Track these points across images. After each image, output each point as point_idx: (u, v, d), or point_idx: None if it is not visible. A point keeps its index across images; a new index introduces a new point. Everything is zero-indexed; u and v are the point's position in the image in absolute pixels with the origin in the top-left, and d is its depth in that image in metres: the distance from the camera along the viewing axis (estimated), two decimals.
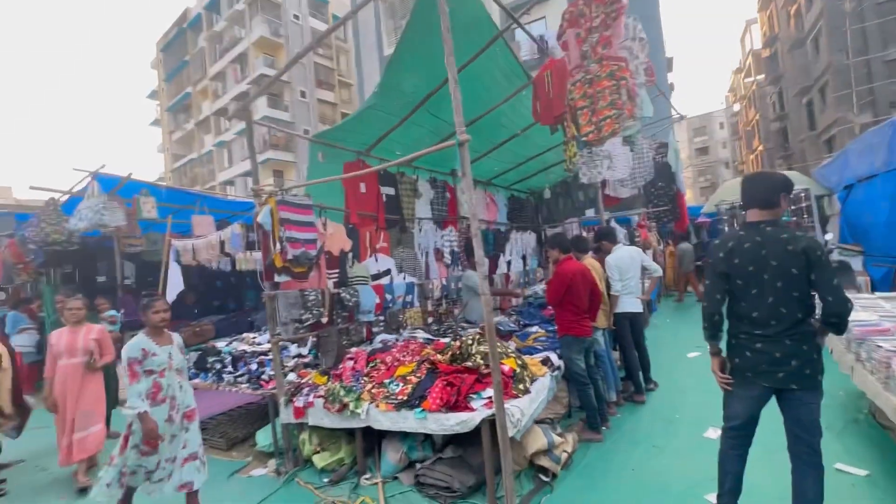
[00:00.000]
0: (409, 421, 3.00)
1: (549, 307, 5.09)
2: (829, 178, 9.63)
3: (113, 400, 4.51)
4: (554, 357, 3.78)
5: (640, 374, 4.54)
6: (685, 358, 5.90)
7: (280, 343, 3.71)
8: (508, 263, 7.77)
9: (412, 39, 3.71)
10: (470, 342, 3.33)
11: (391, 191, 5.27)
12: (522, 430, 2.79)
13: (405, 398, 3.03)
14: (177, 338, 2.99)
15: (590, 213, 10.30)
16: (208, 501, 3.36)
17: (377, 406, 3.13)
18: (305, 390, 3.58)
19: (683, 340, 6.63)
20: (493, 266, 7.39)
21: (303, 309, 3.81)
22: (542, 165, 7.63)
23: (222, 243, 4.20)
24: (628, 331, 4.49)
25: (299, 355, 4.32)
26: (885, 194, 6.83)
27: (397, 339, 4.34)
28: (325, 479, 3.40)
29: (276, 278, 3.38)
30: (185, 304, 8.52)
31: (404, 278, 5.34)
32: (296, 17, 28.79)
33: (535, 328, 4.71)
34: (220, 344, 4.86)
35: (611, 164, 5.17)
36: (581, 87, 3.51)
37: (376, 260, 4.92)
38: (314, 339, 4.10)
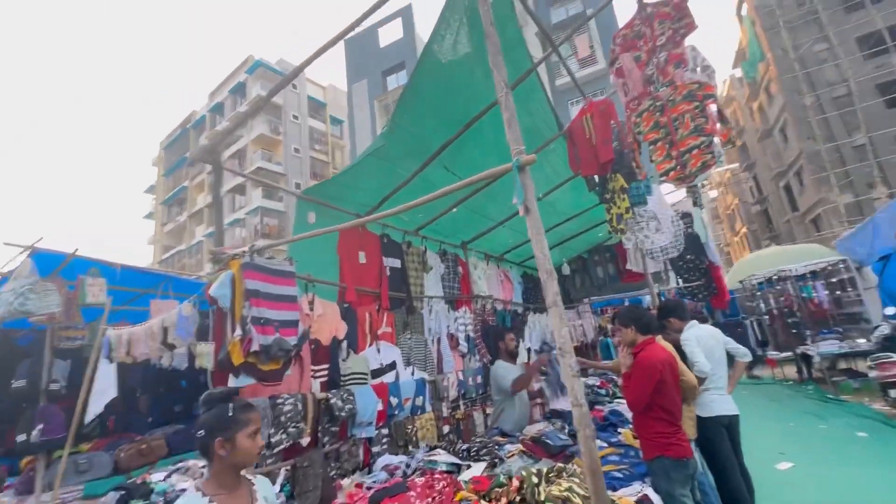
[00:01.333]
0: None
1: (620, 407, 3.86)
2: (856, 249, 8.98)
3: None
4: (652, 494, 2.49)
5: None
6: (776, 472, 4.52)
7: None
8: (528, 351, 6.54)
9: (428, 73, 2.99)
10: (535, 480, 2.08)
11: (397, 263, 4.27)
12: None
13: None
14: (262, 485, 1.63)
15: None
16: None
17: None
18: None
19: (760, 446, 5.26)
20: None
21: (273, 426, 2.55)
22: (561, 238, 6.81)
23: (165, 331, 3.05)
24: (726, 442, 3.24)
25: None
26: None
27: (408, 465, 3.01)
28: None
29: (233, 381, 2.20)
30: (138, 410, 6.96)
31: (413, 373, 4.10)
32: (295, 116, 30.22)
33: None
34: (156, 476, 3.43)
35: (658, 227, 4.30)
36: (650, 117, 2.72)
37: (378, 350, 3.73)
38: (288, 470, 2.77)
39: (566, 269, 7.61)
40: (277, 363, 2.33)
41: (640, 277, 7.47)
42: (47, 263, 4.49)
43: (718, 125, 2.48)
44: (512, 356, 4.17)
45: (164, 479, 3.28)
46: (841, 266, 8.78)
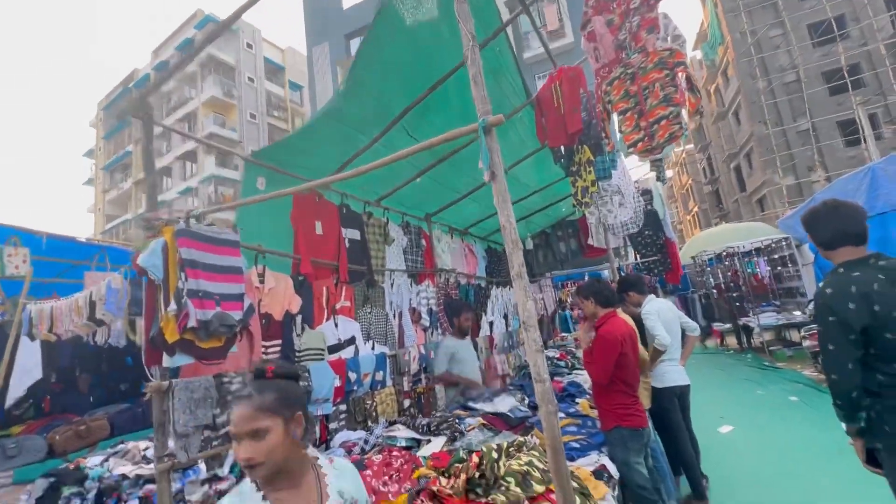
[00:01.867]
0: None
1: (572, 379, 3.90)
2: (797, 228, 9.55)
3: None
4: (609, 464, 2.53)
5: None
6: (718, 435, 4.80)
7: (178, 465, 2.22)
8: (491, 324, 6.58)
9: (390, 25, 2.74)
10: (495, 455, 2.03)
11: (356, 234, 4.07)
12: None
13: None
14: (340, 475, 1.26)
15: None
16: None
17: None
18: None
19: (704, 412, 5.57)
20: (476, 328, 6.16)
21: (219, 407, 2.37)
22: (525, 212, 6.77)
23: (93, 305, 2.74)
24: (678, 411, 3.35)
25: (214, 476, 2.77)
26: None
27: (366, 442, 2.92)
28: None
29: (168, 361, 1.99)
30: (77, 390, 6.50)
31: (373, 348, 3.98)
32: (250, 79, 28.35)
33: None
34: (93, 461, 3.18)
35: (622, 201, 4.31)
36: (621, 86, 2.62)
37: (336, 325, 3.57)
38: None
39: (529, 244, 7.63)
40: (219, 340, 2.13)
41: (601, 252, 7.62)
42: None
43: (688, 94, 2.42)
44: (463, 333, 4.22)
45: (100, 464, 3.04)
46: (783, 243, 9.32)
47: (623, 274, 4.57)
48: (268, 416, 1.10)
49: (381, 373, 3.85)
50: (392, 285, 4.51)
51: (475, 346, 5.67)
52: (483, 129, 1.65)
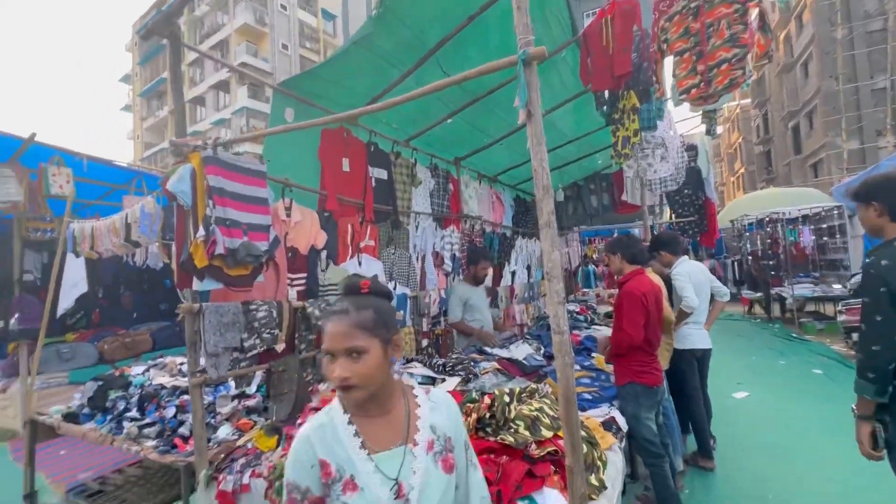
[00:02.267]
0: None
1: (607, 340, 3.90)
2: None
3: None
4: (619, 416, 2.56)
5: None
6: (732, 400, 4.80)
7: (209, 380, 2.38)
8: (513, 274, 6.57)
9: None
10: (507, 399, 2.08)
11: (383, 173, 4.01)
12: None
13: None
14: (436, 407, 1.16)
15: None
16: None
17: None
18: (240, 462, 2.25)
19: (721, 376, 5.54)
20: (498, 276, 6.17)
21: (246, 332, 2.49)
22: (559, 162, 6.50)
23: (129, 227, 2.84)
24: (696, 374, 3.33)
25: (242, 394, 2.98)
26: None
27: None
28: None
29: (197, 285, 2.06)
30: (122, 306, 7.01)
31: (395, 288, 4.05)
32: (283, 6, 27.27)
33: None
34: (136, 370, 3.46)
35: (664, 155, 4.04)
36: (681, 22, 2.34)
37: (360, 263, 3.62)
38: (264, 373, 2.78)
39: (560, 196, 7.40)
40: (246, 268, 2.19)
41: (634, 209, 7.33)
42: (3, 148, 4.13)
43: (758, 34, 2.15)
44: (477, 281, 4.20)
45: (142, 373, 3.31)
46: (834, 212, 8.72)
47: (656, 232, 4.38)
48: (366, 335, 1.01)
49: (402, 312, 3.94)
50: (417, 228, 4.49)
51: (495, 296, 5.72)
52: (523, 61, 1.51)
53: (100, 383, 3.17)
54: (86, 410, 3.04)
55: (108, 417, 2.91)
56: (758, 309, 10.46)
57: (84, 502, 3.11)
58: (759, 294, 10.47)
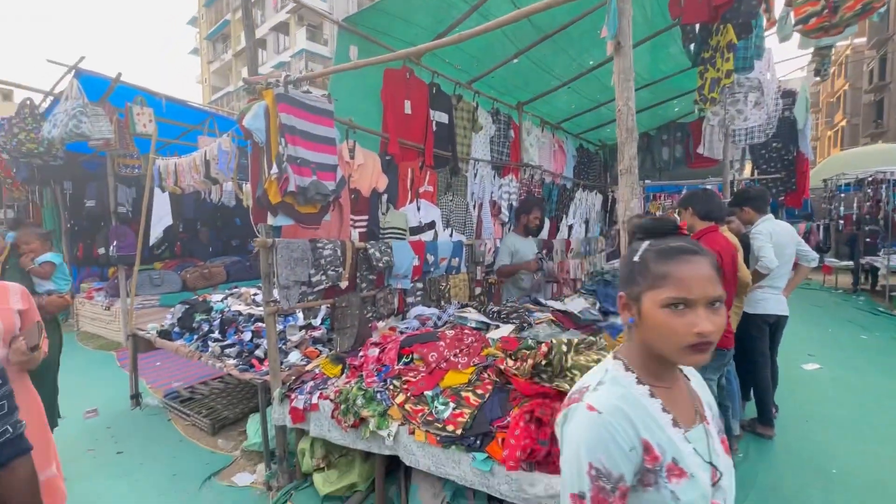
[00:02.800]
0: (461, 468, 1.85)
1: None
2: None
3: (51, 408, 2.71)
4: None
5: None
6: (801, 371, 4.52)
7: (280, 310, 2.58)
8: (570, 228, 6.37)
9: None
10: (564, 349, 2.08)
11: (444, 117, 3.91)
12: None
13: (459, 431, 1.86)
14: (696, 376, 1.01)
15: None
16: None
17: (412, 433, 1.99)
18: (309, 384, 2.47)
19: (792, 346, 5.19)
20: (554, 230, 6.02)
21: (313, 268, 2.63)
22: None
23: (207, 164, 3.02)
24: (766, 340, 3.14)
25: (309, 325, 3.21)
26: None
27: (439, 318, 3.15)
28: None
29: (271, 220, 2.18)
30: (199, 241, 7.66)
31: (451, 235, 4.08)
32: None
33: (620, 320, 3.40)
34: (216, 297, 3.82)
35: (759, 100, 3.60)
36: None
37: (419, 208, 3.65)
38: (328, 308, 2.96)
39: None
40: (315, 207, 2.27)
41: (709, 163, 6.71)
42: (93, 87, 4.44)
43: None
44: (527, 232, 4.03)
45: (221, 300, 3.65)
46: None
47: (747, 185, 3.99)
48: (719, 282, 0.81)
49: (457, 259, 3.98)
50: (475, 175, 4.42)
51: (550, 248, 5.61)
52: None
53: (187, 307, 3.53)
54: (176, 329, 3.43)
55: (195, 337, 3.27)
56: (843, 279, 9.53)
57: (178, 405, 3.61)
58: (845, 263, 9.49)
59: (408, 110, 3.53)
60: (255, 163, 2.11)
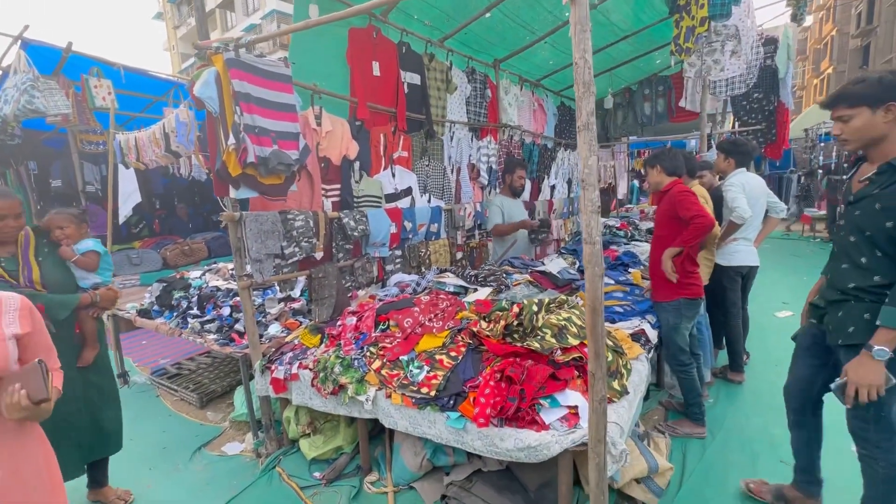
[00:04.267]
0: (436, 427, 1.91)
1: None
2: None
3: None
4: (649, 329, 2.57)
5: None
6: (774, 319, 4.68)
7: (257, 285, 2.57)
8: (552, 188, 6.35)
9: None
10: (535, 309, 2.11)
11: (416, 78, 3.78)
12: (625, 461, 1.66)
13: (433, 393, 1.91)
14: None
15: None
16: (161, 487, 2.51)
17: (389, 397, 2.04)
18: (289, 355, 2.50)
19: (766, 294, 5.35)
20: (536, 191, 6.00)
21: (285, 240, 2.60)
22: (610, 63, 5.86)
23: (167, 137, 2.89)
24: (738, 291, 3.22)
25: (288, 297, 3.21)
26: None
27: (418, 284, 3.16)
28: (317, 474, 2.44)
29: (234, 193, 2.12)
30: (178, 217, 7.51)
31: (429, 201, 4.04)
32: None
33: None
34: (194, 274, 3.78)
35: (736, 49, 3.52)
36: None
37: (393, 175, 3.59)
38: (306, 279, 2.95)
39: (609, 102, 6.78)
40: (279, 177, 2.22)
41: (691, 117, 6.64)
42: (43, 59, 4.18)
43: None
44: (514, 192, 4.03)
45: (200, 276, 3.62)
46: None
47: (734, 137, 3.94)
48: None
49: (436, 225, 3.96)
50: (452, 139, 4.33)
51: (533, 210, 5.60)
52: None
53: (164, 284, 3.50)
54: (155, 307, 3.41)
55: (175, 314, 3.26)
56: (822, 228, 9.72)
57: (166, 381, 3.64)
58: (823, 212, 9.65)
59: (376, 72, 3.39)
60: (212, 133, 2.03)
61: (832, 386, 1.58)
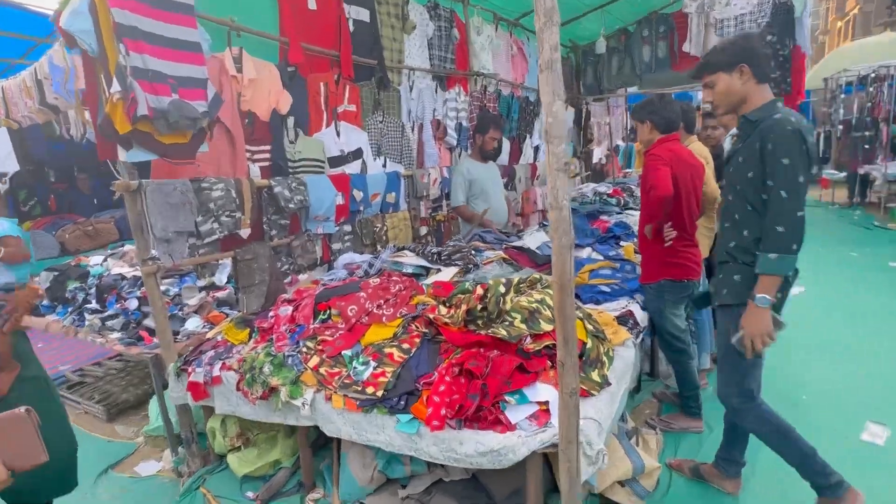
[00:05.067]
0: (385, 433, 1.89)
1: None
2: None
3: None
4: (638, 311, 2.60)
5: None
6: None
7: (168, 270, 2.46)
8: (536, 149, 6.32)
9: None
10: (502, 290, 2.09)
11: (364, 14, 3.63)
12: (603, 463, 1.68)
13: (380, 393, 1.87)
14: None
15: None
16: None
17: (329, 399, 2.00)
18: (209, 354, 2.42)
19: None
20: (516, 152, 5.95)
21: (201, 214, 2.48)
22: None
23: (41, 85, 2.67)
24: None
25: (211, 285, 3.10)
26: None
27: (371, 265, 3.10)
28: (250, 494, 2.41)
29: (123, 155, 1.99)
30: (80, 191, 7.14)
31: (384, 165, 3.94)
32: None
33: (585, 252, 3.47)
34: (94, 260, 3.61)
35: None
36: None
37: (338, 133, 3.46)
38: (232, 262, 2.85)
39: (601, 47, 6.72)
40: (184, 135, 2.09)
41: (694, 63, 6.67)
42: None
43: None
44: (485, 157, 4.00)
45: (100, 263, 3.46)
46: None
47: None
48: None
49: (394, 194, 3.89)
50: (411, 89, 4.20)
51: (513, 176, 5.57)
52: None
53: (55, 273, 3.33)
54: (45, 302, 3.24)
55: (70, 309, 3.11)
56: (841, 193, 10.08)
57: (65, 392, 3.50)
58: (842, 175, 10.00)
59: (312, 5, 3.23)
60: (90, 80, 1.88)
61: (733, 340, 1.86)
